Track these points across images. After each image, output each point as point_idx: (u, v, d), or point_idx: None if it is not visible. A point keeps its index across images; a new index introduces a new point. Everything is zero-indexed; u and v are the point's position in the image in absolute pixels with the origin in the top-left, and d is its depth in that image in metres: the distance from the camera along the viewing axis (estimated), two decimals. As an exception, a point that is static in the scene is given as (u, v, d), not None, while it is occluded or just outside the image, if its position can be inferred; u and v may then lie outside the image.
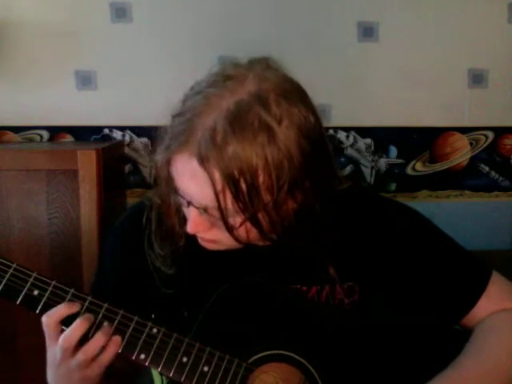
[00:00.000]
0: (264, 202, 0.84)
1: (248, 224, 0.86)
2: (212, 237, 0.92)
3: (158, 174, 0.92)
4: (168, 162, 0.87)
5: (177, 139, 0.85)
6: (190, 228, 0.90)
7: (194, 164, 0.83)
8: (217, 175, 0.82)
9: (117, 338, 0.91)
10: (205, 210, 0.87)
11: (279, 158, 0.82)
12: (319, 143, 0.88)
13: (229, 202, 0.83)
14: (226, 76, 0.86)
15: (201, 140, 0.82)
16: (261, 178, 0.82)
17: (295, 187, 0.86)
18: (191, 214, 0.89)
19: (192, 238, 0.96)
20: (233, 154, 0.81)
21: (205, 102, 0.84)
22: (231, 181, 0.81)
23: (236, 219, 0.86)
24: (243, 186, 0.82)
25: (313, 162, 0.86)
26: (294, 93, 0.86)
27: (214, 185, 0.82)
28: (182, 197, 0.89)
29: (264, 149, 0.81)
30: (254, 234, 0.89)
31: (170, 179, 0.89)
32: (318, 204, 0.90)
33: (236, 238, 0.89)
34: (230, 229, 0.87)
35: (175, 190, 0.90)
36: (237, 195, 0.82)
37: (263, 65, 0.88)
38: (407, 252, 1.02)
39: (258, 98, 0.83)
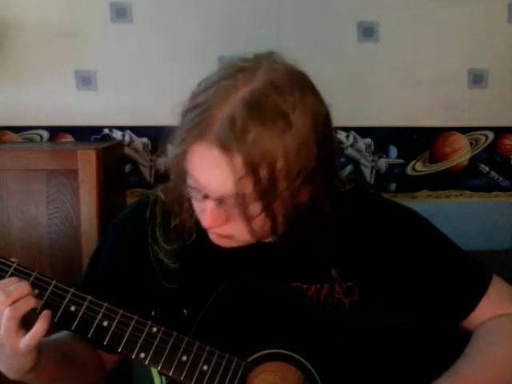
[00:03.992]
0: (280, 189, 0.84)
1: (264, 215, 0.86)
2: (227, 232, 0.92)
3: (170, 169, 0.91)
4: (183, 156, 0.87)
5: (192, 132, 0.84)
6: (207, 222, 0.89)
7: (215, 152, 0.82)
8: (238, 162, 0.82)
9: (46, 312, 0.89)
10: (222, 201, 0.87)
11: (296, 145, 0.83)
12: (329, 135, 0.89)
13: (249, 189, 0.83)
14: (237, 68, 0.87)
15: (219, 129, 0.82)
16: (279, 165, 0.83)
17: (309, 177, 0.86)
18: (208, 207, 0.88)
19: (200, 235, 0.96)
20: (253, 140, 0.81)
21: (218, 94, 0.84)
22: (252, 167, 0.82)
23: (254, 209, 0.86)
24: (263, 172, 0.82)
25: (324, 153, 0.87)
26: (304, 83, 0.88)
27: (235, 171, 0.82)
28: (197, 191, 0.89)
29: (282, 135, 0.82)
30: (268, 226, 0.89)
31: (184, 174, 0.89)
32: (327, 200, 0.91)
33: (252, 230, 0.89)
34: (247, 219, 0.87)
35: (189, 185, 0.89)
36: (257, 182, 0.82)
37: (270, 58, 0.90)
38: (408, 254, 1.02)
39: (273, 86, 0.84)
